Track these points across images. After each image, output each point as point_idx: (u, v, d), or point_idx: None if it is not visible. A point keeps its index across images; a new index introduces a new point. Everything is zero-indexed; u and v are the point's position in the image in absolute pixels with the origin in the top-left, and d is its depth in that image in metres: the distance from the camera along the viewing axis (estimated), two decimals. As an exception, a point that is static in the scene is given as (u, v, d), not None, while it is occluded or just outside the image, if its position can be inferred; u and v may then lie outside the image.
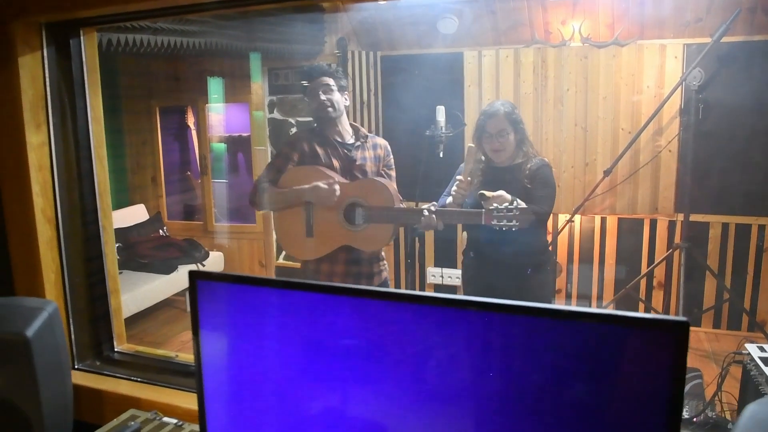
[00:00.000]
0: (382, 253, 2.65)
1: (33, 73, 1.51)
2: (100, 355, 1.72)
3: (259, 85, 4.62)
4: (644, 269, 4.17)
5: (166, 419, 1.35)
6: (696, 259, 3.85)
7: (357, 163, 2.52)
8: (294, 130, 4.62)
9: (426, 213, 2.40)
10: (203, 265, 4.49)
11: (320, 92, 2.50)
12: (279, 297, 1.03)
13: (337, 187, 2.43)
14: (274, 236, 4.84)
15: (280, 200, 2.50)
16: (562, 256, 4.33)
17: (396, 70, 4.43)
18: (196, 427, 1.34)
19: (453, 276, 4.42)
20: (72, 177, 1.63)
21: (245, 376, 1.07)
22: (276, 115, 4.64)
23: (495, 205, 2.34)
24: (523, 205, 2.31)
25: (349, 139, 2.56)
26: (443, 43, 4.28)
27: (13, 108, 1.49)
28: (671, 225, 4.12)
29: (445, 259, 4.52)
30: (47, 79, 1.54)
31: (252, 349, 1.06)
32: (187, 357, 1.72)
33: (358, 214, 2.49)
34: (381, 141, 2.63)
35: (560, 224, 4.21)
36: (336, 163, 2.52)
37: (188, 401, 1.47)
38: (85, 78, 1.63)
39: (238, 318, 1.07)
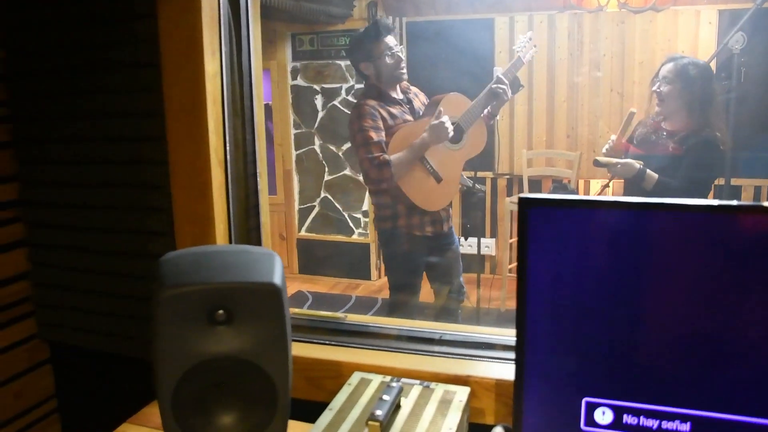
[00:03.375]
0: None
1: (210, -11, 1.31)
2: (259, 319, 1.52)
3: (282, 50, 4.38)
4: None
5: (405, 380, 1.19)
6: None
7: (419, 113, 2.62)
8: (319, 97, 4.41)
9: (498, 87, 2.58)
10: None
11: (392, 52, 2.52)
12: (627, 219, 0.90)
13: (444, 118, 2.50)
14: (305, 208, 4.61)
15: (406, 162, 2.53)
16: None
17: (422, 37, 4.28)
18: (450, 387, 1.18)
19: (490, 246, 4.31)
20: (237, 114, 1.43)
21: (585, 314, 0.93)
22: (300, 81, 4.41)
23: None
24: (653, 175, 2.36)
25: (401, 94, 2.62)
26: (472, 9, 4.15)
27: (193, 28, 1.28)
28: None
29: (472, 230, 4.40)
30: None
31: (595, 281, 0.92)
32: (356, 318, 1.55)
33: (457, 129, 2.60)
34: (415, 88, 2.71)
35: (595, 190, 4.17)
36: (409, 118, 2.59)
37: (398, 361, 1.32)
38: (249, 2, 1.43)
39: (578, 248, 0.92)
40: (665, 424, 0.91)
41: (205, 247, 1.17)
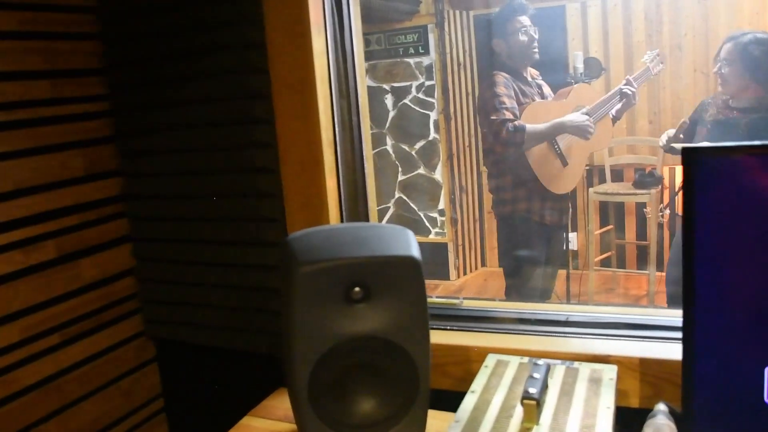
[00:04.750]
0: None
1: (314, -38, 1.26)
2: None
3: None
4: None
5: (550, 361, 1.11)
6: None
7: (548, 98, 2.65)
8: (389, 96, 4.37)
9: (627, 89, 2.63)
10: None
11: (525, 30, 2.54)
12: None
13: (589, 120, 2.57)
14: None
15: (541, 136, 2.54)
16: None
17: (489, 30, 4.20)
18: (595, 366, 1.10)
19: (572, 240, 4.18)
20: (343, 95, 1.38)
21: (762, 270, 0.83)
22: (369, 82, 4.39)
23: None
24: None
25: (531, 78, 2.63)
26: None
27: (299, 4, 1.24)
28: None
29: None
30: (324, -27, 1.29)
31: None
32: (472, 303, 1.47)
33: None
34: (542, 81, 2.74)
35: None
36: (537, 100, 2.61)
37: (528, 343, 1.24)
38: (350, -23, 1.38)
39: (752, 199, 0.83)
40: None
41: (332, 225, 1.12)
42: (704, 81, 3.84)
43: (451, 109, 4.25)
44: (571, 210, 2.78)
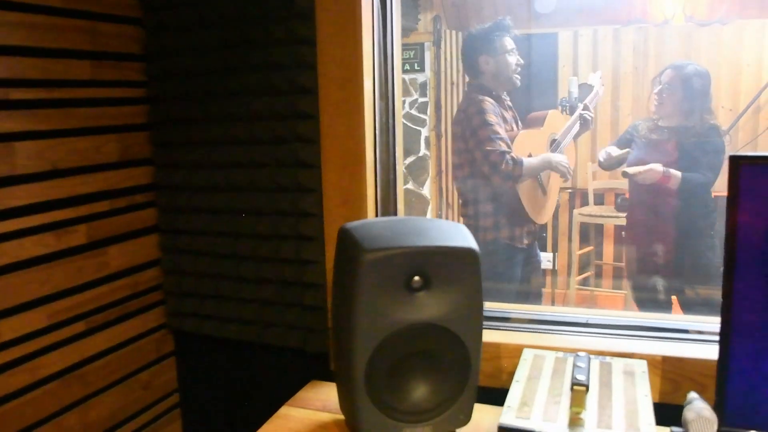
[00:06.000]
0: None
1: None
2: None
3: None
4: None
5: (592, 354, 1.16)
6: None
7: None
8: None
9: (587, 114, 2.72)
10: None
11: (513, 52, 2.52)
12: None
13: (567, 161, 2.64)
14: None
15: (534, 170, 2.56)
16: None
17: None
18: (627, 360, 1.15)
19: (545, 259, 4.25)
20: (383, 96, 1.42)
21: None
22: (363, 95, 4.43)
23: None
24: (677, 174, 2.46)
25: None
26: (535, 24, 4.16)
27: (353, 1, 1.28)
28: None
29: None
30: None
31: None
32: (494, 305, 1.52)
33: (557, 146, 2.73)
34: None
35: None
36: (515, 126, 2.62)
37: (558, 341, 1.28)
38: (394, -16, 1.43)
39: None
40: None
41: (387, 217, 1.15)
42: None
43: (443, 127, 4.33)
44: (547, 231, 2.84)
